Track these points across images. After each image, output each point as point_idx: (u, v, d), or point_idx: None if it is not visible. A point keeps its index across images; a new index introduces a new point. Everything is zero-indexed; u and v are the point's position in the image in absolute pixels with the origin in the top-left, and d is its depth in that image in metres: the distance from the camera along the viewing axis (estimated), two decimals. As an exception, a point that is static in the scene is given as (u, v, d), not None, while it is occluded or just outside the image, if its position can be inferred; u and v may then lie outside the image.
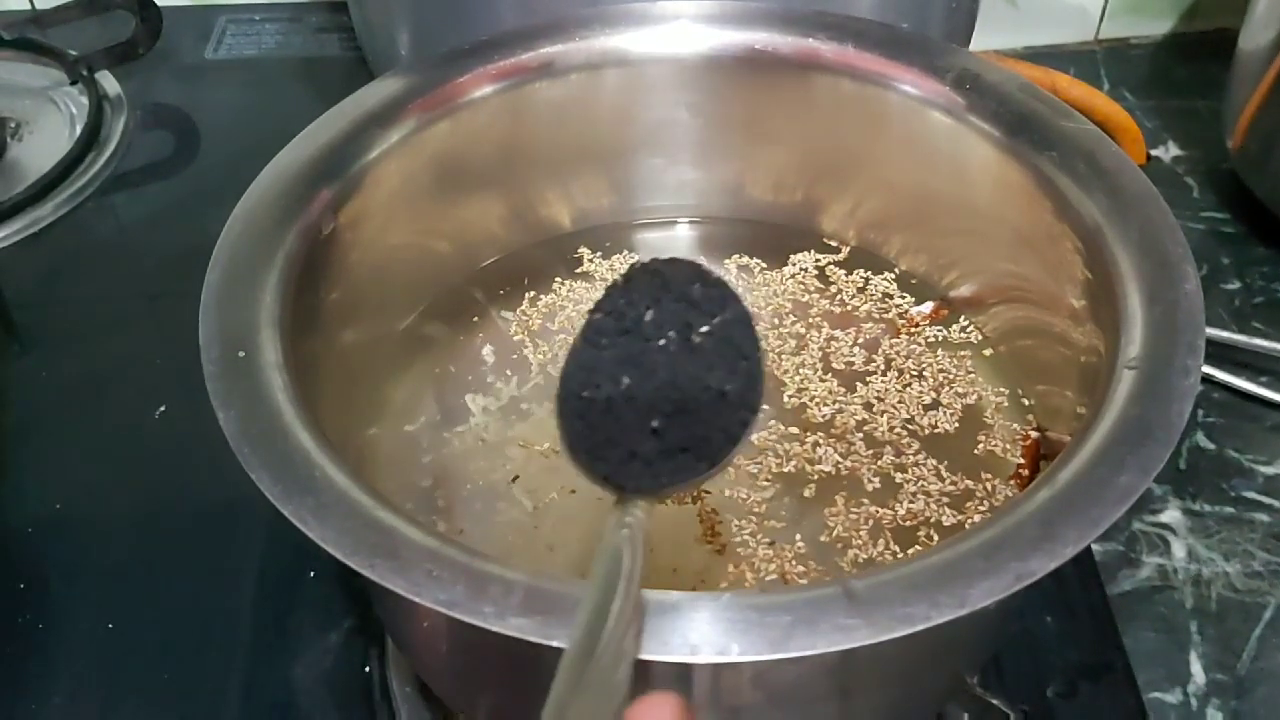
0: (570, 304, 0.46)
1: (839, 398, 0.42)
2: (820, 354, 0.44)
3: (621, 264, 0.47)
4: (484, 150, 0.44)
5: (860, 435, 0.41)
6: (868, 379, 0.43)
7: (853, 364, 0.43)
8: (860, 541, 0.37)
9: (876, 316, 0.45)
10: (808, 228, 0.48)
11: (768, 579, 0.37)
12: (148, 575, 0.45)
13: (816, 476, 0.40)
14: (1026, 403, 0.41)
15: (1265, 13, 0.55)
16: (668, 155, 0.47)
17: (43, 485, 0.48)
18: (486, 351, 0.44)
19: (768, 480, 0.39)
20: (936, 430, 0.41)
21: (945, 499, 0.39)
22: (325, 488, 0.28)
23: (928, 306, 0.45)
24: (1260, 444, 0.49)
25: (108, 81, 0.67)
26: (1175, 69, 0.70)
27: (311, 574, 0.44)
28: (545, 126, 0.45)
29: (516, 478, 0.40)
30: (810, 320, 0.45)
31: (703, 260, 0.29)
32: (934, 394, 0.42)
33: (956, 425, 0.41)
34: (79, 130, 0.63)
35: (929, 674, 0.34)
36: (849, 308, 0.46)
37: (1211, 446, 0.49)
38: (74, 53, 0.66)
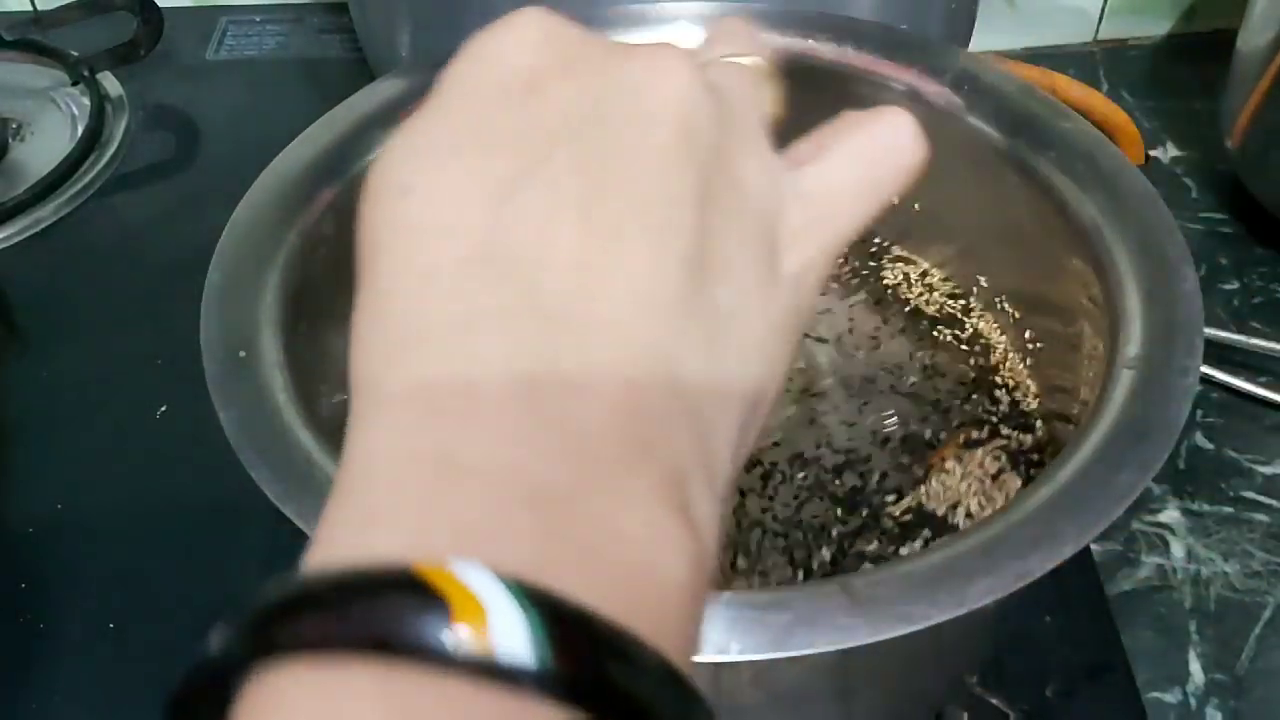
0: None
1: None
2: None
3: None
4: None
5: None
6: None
7: (852, 364, 0.43)
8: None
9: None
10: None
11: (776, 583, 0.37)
12: (148, 575, 0.45)
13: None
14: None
15: (1263, 14, 0.55)
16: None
17: (43, 485, 0.48)
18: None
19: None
20: (936, 430, 0.41)
21: (944, 499, 0.39)
22: (326, 487, 0.28)
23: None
24: (1259, 444, 0.49)
25: (109, 82, 0.68)
26: (1174, 70, 0.70)
27: (312, 574, 0.44)
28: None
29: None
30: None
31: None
32: (933, 394, 0.42)
33: (956, 425, 0.41)
34: (80, 131, 0.64)
35: (929, 673, 0.34)
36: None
37: (1210, 446, 0.49)
38: (75, 54, 0.66)
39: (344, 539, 0.16)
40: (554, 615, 0.13)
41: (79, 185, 0.61)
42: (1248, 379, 0.51)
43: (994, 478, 0.39)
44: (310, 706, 0.13)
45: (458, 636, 0.13)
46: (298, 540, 0.28)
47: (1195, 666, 0.42)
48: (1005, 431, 0.40)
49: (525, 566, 0.14)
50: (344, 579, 0.14)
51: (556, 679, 0.13)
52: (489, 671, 0.13)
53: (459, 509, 0.15)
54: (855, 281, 0.47)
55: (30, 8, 0.72)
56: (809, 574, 0.36)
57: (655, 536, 0.15)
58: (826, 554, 0.37)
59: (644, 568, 0.15)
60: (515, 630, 0.13)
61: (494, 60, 0.20)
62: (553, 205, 0.17)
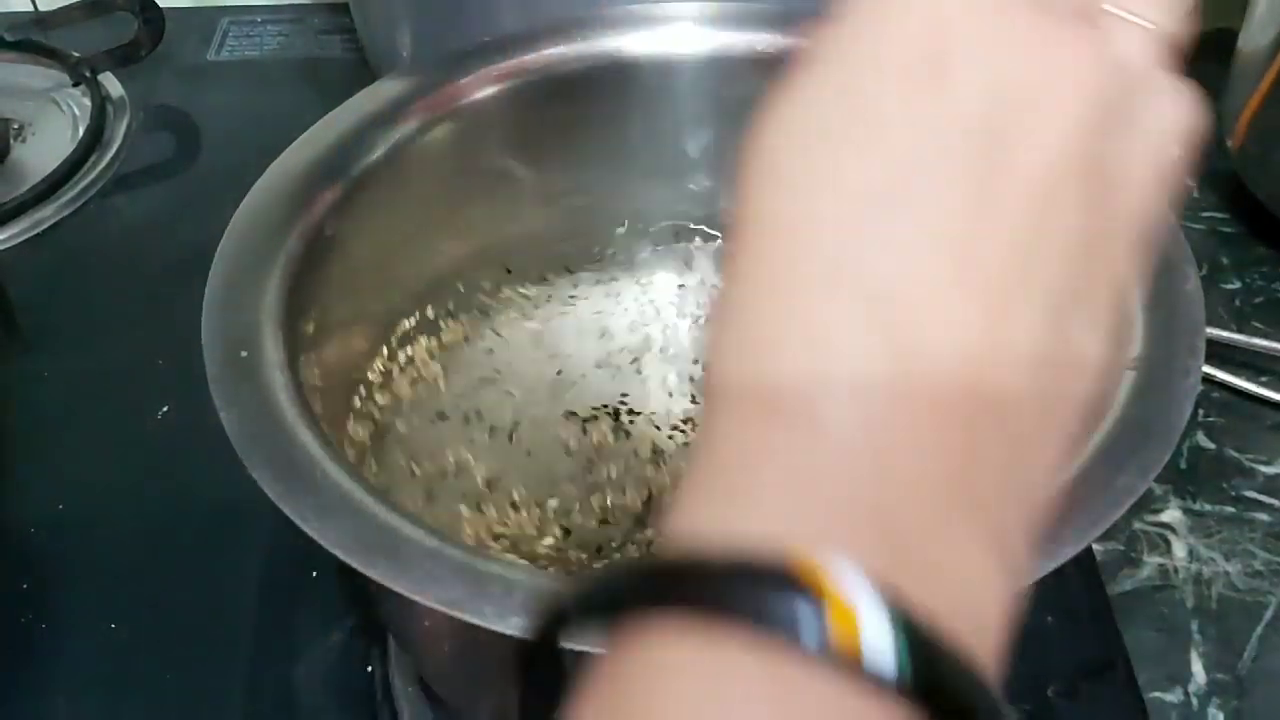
0: (571, 303, 0.46)
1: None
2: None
3: (620, 265, 0.48)
4: (486, 152, 0.44)
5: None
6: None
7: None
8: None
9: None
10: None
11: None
12: (150, 575, 0.45)
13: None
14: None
15: (1265, 13, 0.55)
16: (667, 157, 0.47)
17: (45, 485, 0.48)
18: (488, 351, 0.44)
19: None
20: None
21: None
22: (327, 487, 0.28)
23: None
24: (1260, 443, 0.49)
25: (110, 83, 0.68)
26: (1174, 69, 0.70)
27: (314, 573, 0.44)
28: (546, 128, 0.45)
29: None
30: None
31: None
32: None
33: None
34: (82, 132, 0.64)
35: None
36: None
37: (1211, 446, 0.49)
38: (76, 54, 0.66)
39: (708, 514, 0.16)
40: (914, 629, 0.15)
41: (80, 186, 0.61)
42: (1249, 378, 0.51)
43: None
44: (692, 668, 0.15)
45: (833, 635, 0.14)
46: (299, 540, 0.28)
47: (1197, 666, 0.42)
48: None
49: (878, 580, 0.15)
50: (726, 557, 0.15)
51: (913, 691, 0.14)
52: (855, 672, 0.14)
53: (812, 513, 0.16)
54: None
55: (32, 8, 0.72)
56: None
57: (979, 579, 0.16)
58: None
59: (969, 604, 0.16)
60: (883, 639, 0.14)
61: (899, 23, 0.18)
62: (919, 233, 0.17)
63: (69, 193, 0.61)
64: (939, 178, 0.17)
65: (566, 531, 0.39)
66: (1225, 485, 0.47)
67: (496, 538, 0.39)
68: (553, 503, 0.39)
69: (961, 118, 0.17)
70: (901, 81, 0.17)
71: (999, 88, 0.17)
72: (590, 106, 0.45)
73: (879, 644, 0.14)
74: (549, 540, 0.39)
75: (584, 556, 0.38)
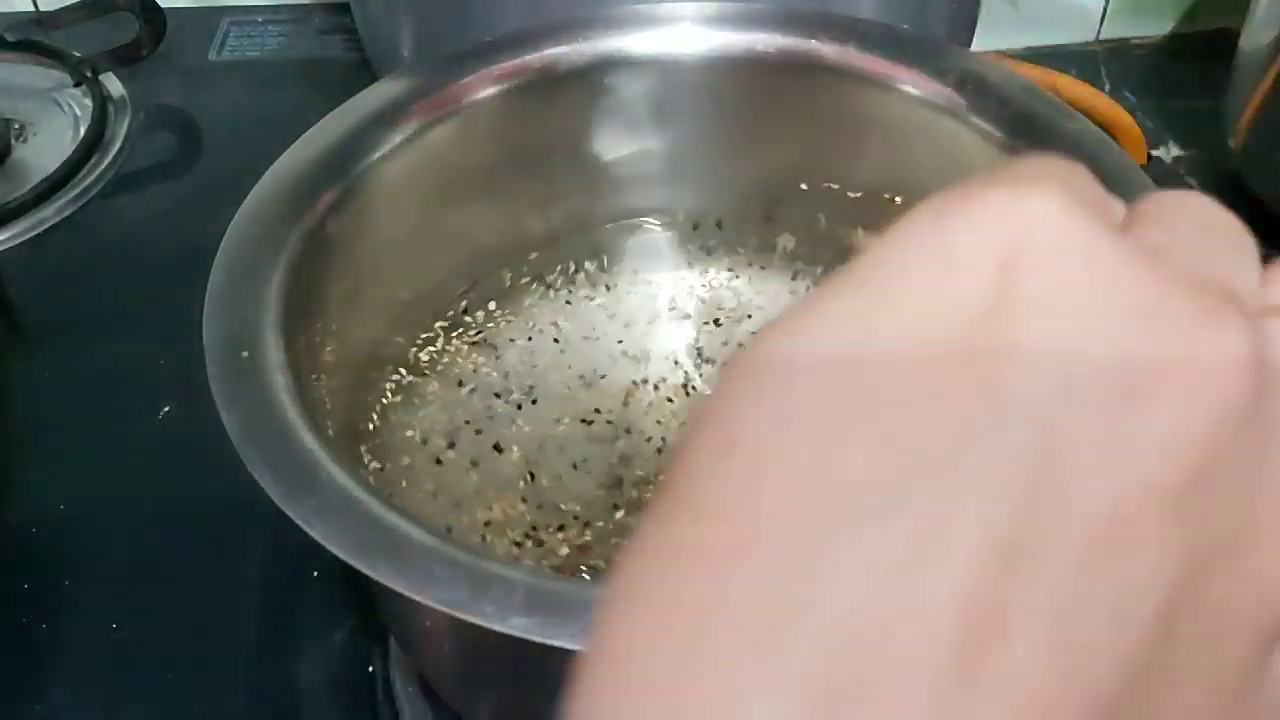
0: (572, 304, 0.46)
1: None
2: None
3: (621, 264, 0.48)
4: (487, 151, 0.44)
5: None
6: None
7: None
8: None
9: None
10: (809, 230, 0.48)
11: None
12: (151, 575, 0.45)
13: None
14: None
15: (1266, 12, 0.55)
16: (669, 157, 0.47)
17: (46, 485, 0.48)
18: (489, 351, 0.44)
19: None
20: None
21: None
22: (328, 487, 0.28)
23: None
24: (1262, 444, 0.49)
25: (111, 83, 0.68)
26: (1176, 69, 0.70)
27: (315, 574, 0.44)
28: (548, 128, 0.45)
29: (530, 476, 0.40)
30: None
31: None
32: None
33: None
34: (83, 132, 0.64)
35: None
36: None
37: (1213, 447, 0.49)
38: (77, 54, 0.66)
39: None
40: None
41: (81, 186, 0.61)
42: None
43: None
44: None
45: None
46: (300, 540, 0.28)
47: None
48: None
49: None
50: None
51: None
52: None
53: None
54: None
55: (32, 8, 0.72)
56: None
57: None
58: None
59: None
60: None
61: (951, 263, 0.13)
62: (909, 587, 0.12)
63: (70, 193, 0.61)
64: (950, 504, 0.12)
65: (585, 523, 0.39)
66: (1227, 486, 0.47)
67: (530, 528, 0.39)
68: (575, 501, 0.39)
69: (1008, 416, 0.12)
70: (929, 367, 0.12)
71: (1075, 378, 0.12)
72: (591, 106, 0.45)
73: None
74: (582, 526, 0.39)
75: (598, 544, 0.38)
